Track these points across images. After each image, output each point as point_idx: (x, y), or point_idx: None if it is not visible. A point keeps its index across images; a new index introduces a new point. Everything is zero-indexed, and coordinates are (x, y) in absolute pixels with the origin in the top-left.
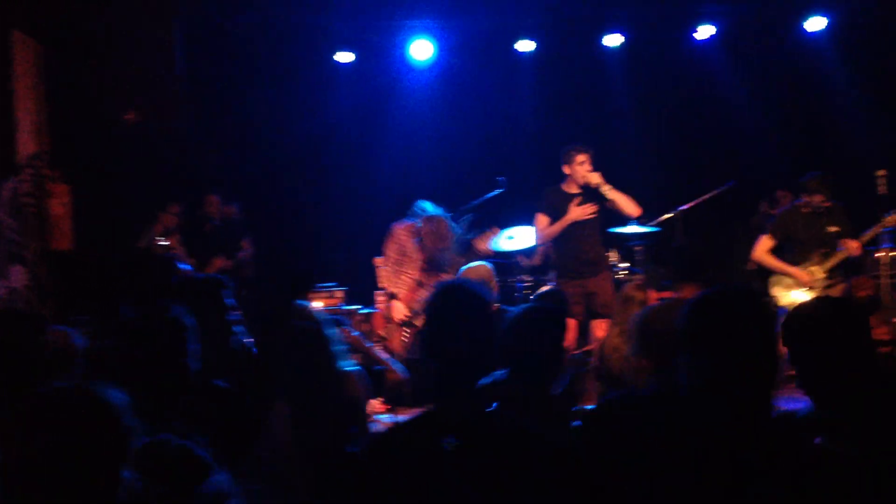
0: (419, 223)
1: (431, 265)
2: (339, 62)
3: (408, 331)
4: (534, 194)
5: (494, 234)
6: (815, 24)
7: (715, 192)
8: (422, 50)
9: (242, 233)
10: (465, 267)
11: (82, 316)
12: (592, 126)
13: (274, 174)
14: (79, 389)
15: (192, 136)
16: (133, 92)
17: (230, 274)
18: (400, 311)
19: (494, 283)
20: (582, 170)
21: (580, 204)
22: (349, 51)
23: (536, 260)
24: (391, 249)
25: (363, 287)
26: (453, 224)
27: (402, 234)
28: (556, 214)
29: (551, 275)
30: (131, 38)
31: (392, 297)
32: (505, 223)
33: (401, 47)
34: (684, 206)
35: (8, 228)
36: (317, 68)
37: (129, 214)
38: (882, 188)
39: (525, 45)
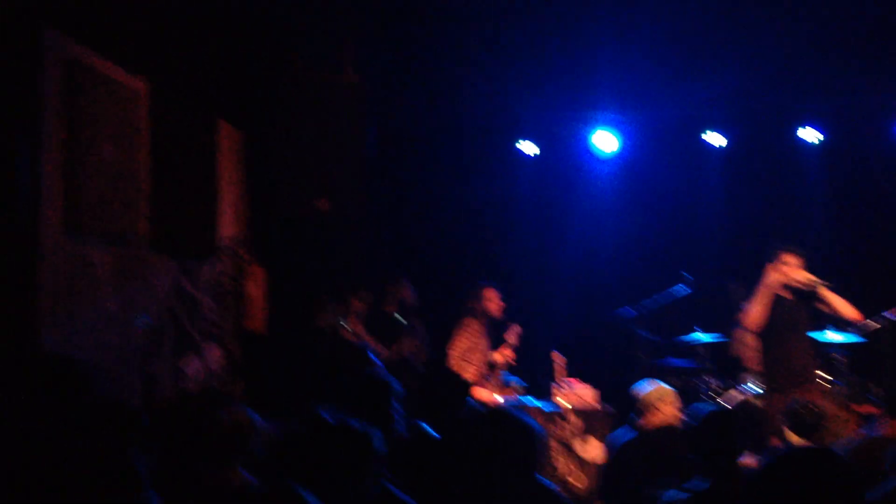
0: None
1: None
2: (522, 152)
3: None
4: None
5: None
6: None
7: None
8: (605, 141)
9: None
10: (648, 384)
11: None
12: (783, 224)
13: (453, 265)
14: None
15: (378, 225)
16: (326, 181)
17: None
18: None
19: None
20: (786, 269)
21: (789, 308)
22: (532, 141)
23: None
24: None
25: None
26: None
27: None
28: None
29: (742, 378)
30: (326, 128)
31: None
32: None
33: (584, 138)
34: (893, 314)
35: (207, 308)
36: (500, 158)
37: (318, 298)
38: None
39: (713, 138)
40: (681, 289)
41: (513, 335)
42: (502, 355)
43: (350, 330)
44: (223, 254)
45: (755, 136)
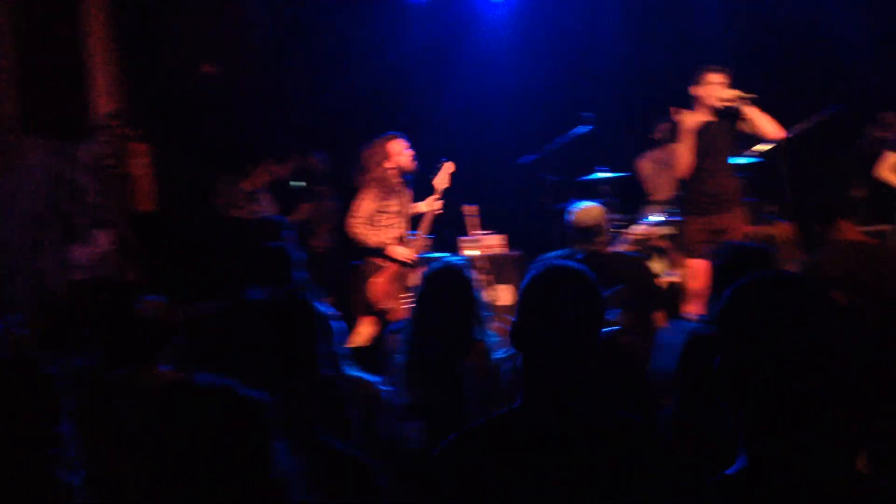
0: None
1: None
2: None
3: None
4: (626, 131)
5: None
6: None
7: (819, 117)
8: None
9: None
10: (574, 206)
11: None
12: (676, 57)
13: (343, 122)
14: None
15: (276, 89)
16: (214, 46)
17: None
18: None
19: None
20: (714, 89)
21: (713, 132)
22: None
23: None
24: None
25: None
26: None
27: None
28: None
29: (642, 212)
30: None
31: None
32: (601, 162)
33: None
34: (787, 135)
35: (92, 192)
36: (391, 8)
37: (213, 173)
38: None
39: None
40: (581, 128)
41: (443, 177)
42: (429, 205)
43: (254, 204)
44: (102, 132)
45: None
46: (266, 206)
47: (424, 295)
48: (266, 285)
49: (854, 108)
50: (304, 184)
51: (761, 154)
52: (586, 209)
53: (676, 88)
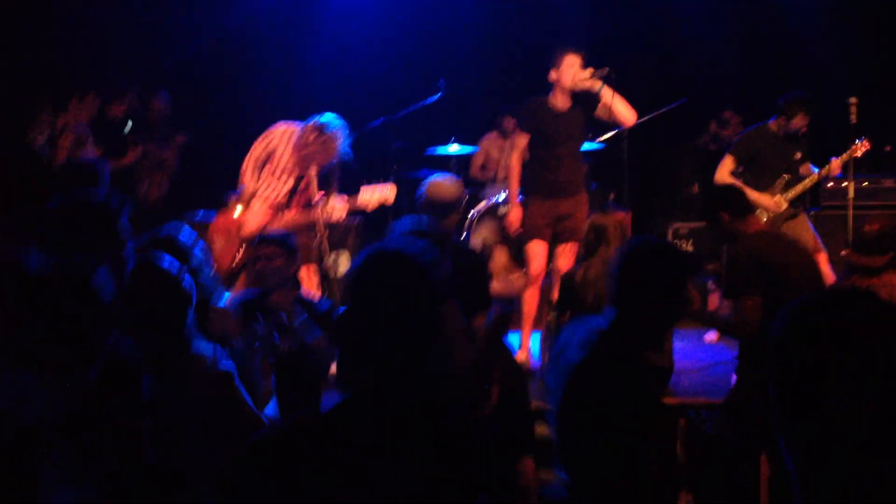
0: (305, 129)
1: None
2: None
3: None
4: (477, 101)
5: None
6: None
7: (664, 109)
8: None
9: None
10: (430, 179)
11: None
12: (540, 30)
13: (192, 71)
14: None
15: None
16: None
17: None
18: (254, 220)
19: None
20: (571, 72)
21: (567, 119)
22: None
23: (472, 172)
24: (259, 147)
25: None
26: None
27: (278, 135)
28: (539, 133)
29: (489, 189)
30: None
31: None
32: (448, 133)
33: None
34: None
35: None
36: None
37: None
38: (854, 117)
39: None
40: (435, 96)
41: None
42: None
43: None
44: None
45: None
46: (86, 149)
47: None
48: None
49: (697, 103)
50: (133, 124)
51: (604, 141)
52: (440, 183)
53: (533, 66)
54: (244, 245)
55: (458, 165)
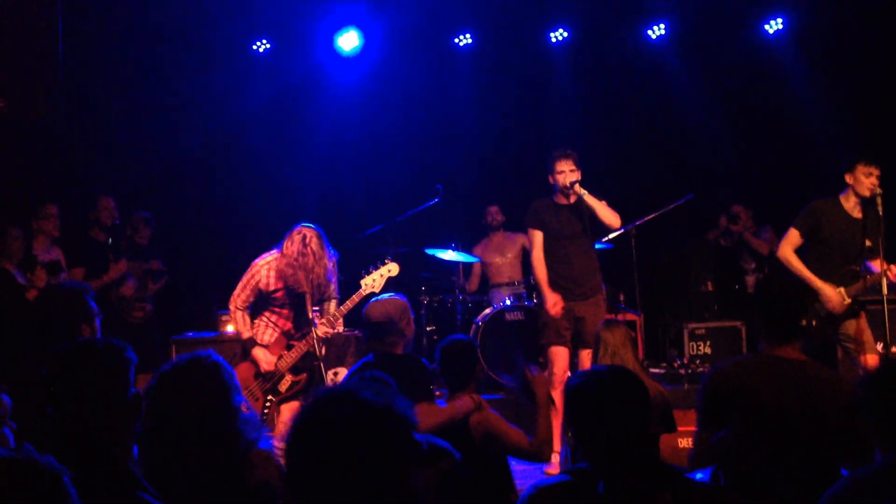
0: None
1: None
2: (257, 52)
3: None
4: (474, 203)
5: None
6: (773, 25)
7: (671, 205)
8: (349, 41)
9: (153, 251)
10: (375, 299)
11: None
12: (538, 131)
13: (177, 178)
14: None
15: (75, 132)
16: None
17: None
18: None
19: (411, 320)
20: (562, 178)
21: (572, 213)
22: (267, 39)
23: (474, 284)
24: (247, 283)
25: None
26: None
27: (261, 267)
28: (548, 230)
29: (493, 295)
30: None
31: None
32: (443, 237)
33: (325, 37)
34: (638, 221)
35: None
36: (231, 58)
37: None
38: (880, 209)
39: (463, 40)
40: (433, 201)
41: (378, 282)
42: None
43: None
44: None
45: (504, 38)
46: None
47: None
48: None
49: (706, 199)
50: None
51: (611, 241)
52: (376, 302)
53: (529, 169)
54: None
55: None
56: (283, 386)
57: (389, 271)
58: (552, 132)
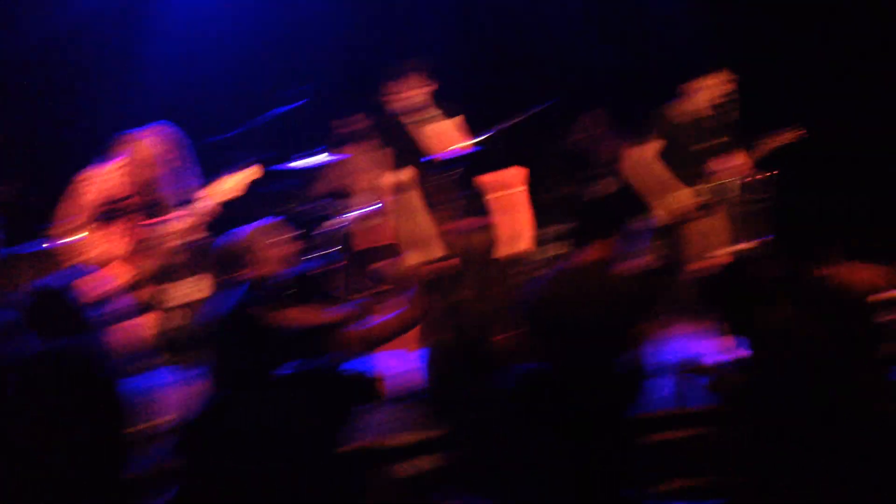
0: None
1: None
2: None
3: None
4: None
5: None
6: None
7: (535, 110)
8: None
9: None
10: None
11: None
12: (401, 33)
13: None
14: None
15: None
16: None
17: None
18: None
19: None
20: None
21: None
22: None
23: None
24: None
25: None
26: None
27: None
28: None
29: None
30: None
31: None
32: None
33: None
34: (503, 126)
35: None
36: None
37: None
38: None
39: None
40: (300, 103)
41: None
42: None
43: None
44: None
45: None
46: None
47: None
48: None
49: (565, 105)
50: None
51: (477, 143)
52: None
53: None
54: None
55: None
56: None
57: (249, 174)
58: (416, 38)
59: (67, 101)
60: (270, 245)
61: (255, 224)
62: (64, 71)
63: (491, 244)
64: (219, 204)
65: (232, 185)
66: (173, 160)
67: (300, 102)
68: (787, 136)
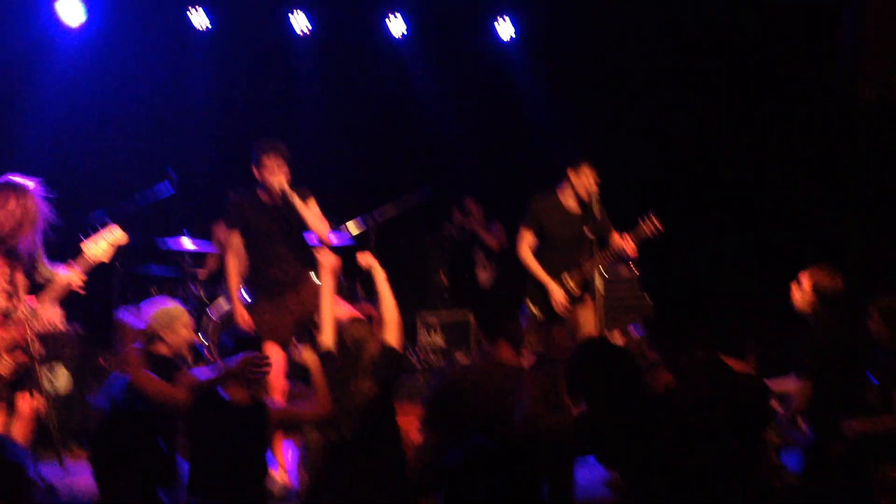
0: None
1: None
2: None
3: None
4: (209, 190)
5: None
6: (506, 30)
7: (409, 200)
8: (71, 11)
9: None
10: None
11: None
12: (278, 120)
13: None
14: None
15: None
16: None
17: None
18: None
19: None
20: (269, 176)
21: (281, 212)
22: None
23: (211, 266)
24: None
25: None
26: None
27: None
28: (253, 229)
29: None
30: None
31: None
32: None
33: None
34: (378, 217)
35: None
36: None
37: None
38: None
39: (197, 18)
40: (165, 187)
41: (101, 246)
42: (69, 278)
43: None
44: None
45: (244, 19)
46: None
47: None
48: None
49: (441, 193)
50: None
51: (352, 236)
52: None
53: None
54: None
55: (192, 260)
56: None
57: (114, 237)
58: (291, 122)
59: None
60: (178, 325)
61: (156, 303)
62: None
63: (368, 334)
64: (86, 269)
65: (100, 248)
66: (38, 218)
67: (171, 192)
68: (649, 227)
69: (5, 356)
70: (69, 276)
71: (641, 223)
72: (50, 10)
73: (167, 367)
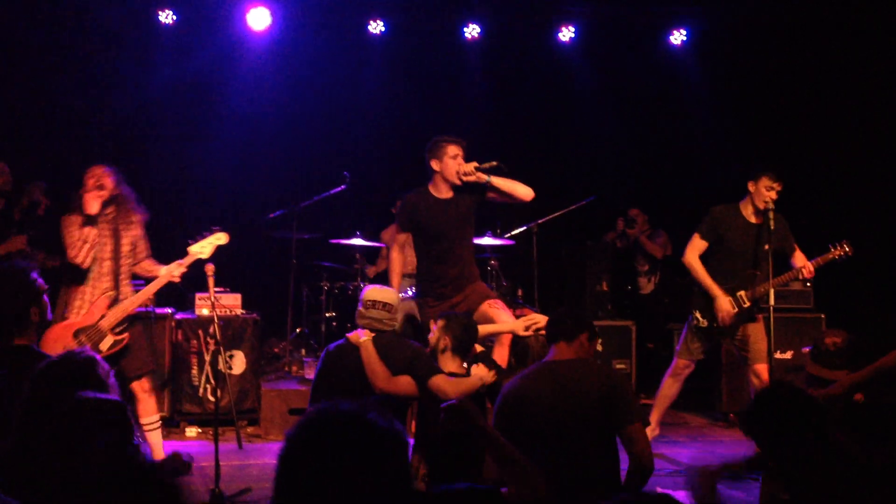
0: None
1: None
2: (163, 23)
3: None
4: (381, 192)
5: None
6: (678, 37)
7: (574, 206)
8: (259, 19)
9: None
10: (369, 288)
11: None
12: (445, 124)
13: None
14: None
15: None
16: None
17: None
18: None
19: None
20: (455, 164)
21: (452, 208)
22: (173, 11)
23: (377, 270)
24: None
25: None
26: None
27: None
28: (418, 225)
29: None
30: None
31: None
32: (351, 224)
33: (236, 13)
34: (541, 220)
35: None
36: (137, 29)
37: None
38: (772, 223)
39: (376, 27)
40: (340, 188)
41: (206, 248)
42: (169, 272)
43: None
44: None
45: (418, 28)
46: None
47: None
48: None
49: (604, 202)
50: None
51: (513, 237)
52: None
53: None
54: None
55: (363, 257)
56: (105, 345)
57: (218, 239)
58: (460, 126)
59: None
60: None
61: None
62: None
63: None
64: (188, 265)
65: (203, 248)
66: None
67: (343, 187)
68: (839, 253)
69: (110, 335)
70: (170, 269)
71: (832, 249)
72: (241, 18)
73: None
